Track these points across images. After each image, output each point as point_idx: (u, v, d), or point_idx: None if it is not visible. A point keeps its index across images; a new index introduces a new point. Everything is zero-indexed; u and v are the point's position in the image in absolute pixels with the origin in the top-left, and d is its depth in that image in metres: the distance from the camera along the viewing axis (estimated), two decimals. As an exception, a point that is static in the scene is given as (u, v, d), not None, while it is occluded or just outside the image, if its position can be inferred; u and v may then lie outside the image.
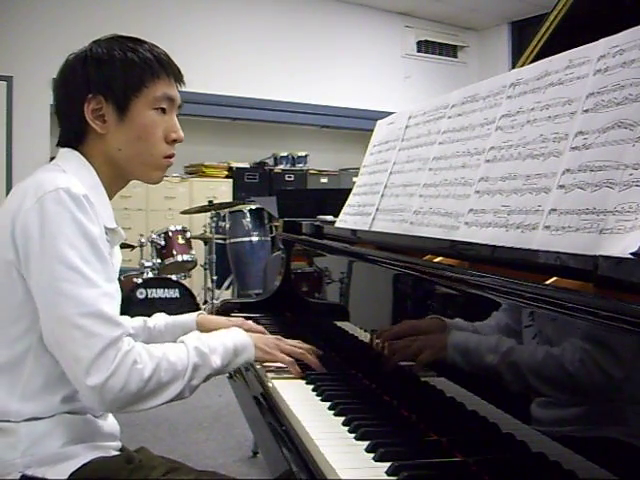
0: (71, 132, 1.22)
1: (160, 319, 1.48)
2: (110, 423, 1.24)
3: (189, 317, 1.48)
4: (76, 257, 1.05)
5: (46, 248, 1.05)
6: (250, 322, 1.52)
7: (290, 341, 1.35)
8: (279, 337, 1.35)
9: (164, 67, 1.21)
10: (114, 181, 1.24)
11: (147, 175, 1.25)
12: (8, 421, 1.09)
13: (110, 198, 1.24)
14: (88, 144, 1.21)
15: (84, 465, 1.11)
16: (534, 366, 0.81)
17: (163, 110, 1.21)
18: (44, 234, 1.05)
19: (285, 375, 1.31)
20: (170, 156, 1.25)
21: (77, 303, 1.03)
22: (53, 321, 1.05)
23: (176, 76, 1.24)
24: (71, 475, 1.09)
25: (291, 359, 1.31)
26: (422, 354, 1.09)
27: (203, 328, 1.44)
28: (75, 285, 1.04)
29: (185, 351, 1.14)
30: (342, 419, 1.07)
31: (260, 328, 1.47)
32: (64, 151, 1.22)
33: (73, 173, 1.15)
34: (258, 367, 1.39)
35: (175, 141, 1.24)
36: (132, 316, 1.50)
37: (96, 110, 1.18)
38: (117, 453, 1.21)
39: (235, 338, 1.25)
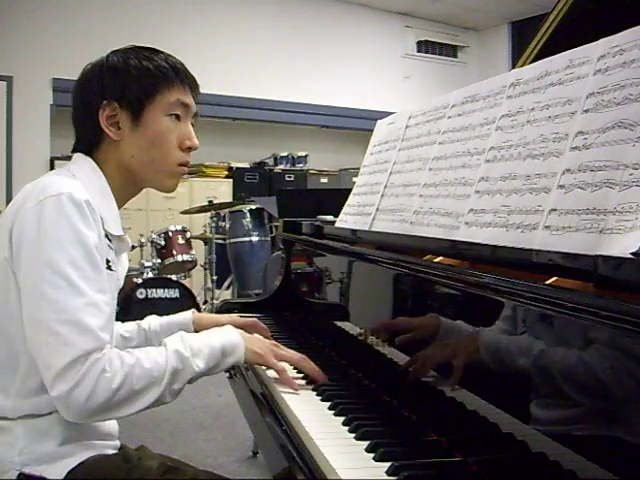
0: (86, 138, 1.22)
1: (155, 320, 1.46)
2: (108, 423, 1.23)
3: (184, 315, 1.47)
4: (66, 263, 1.04)
5: (37, 250, 1.04)
6: (242, 319, 1.50)
7: (287, 349, 1.28)
8: (277, 344, 1.29)
9: (179, 75, 1.22)
10: (126, 189, 1.24)
11: (161, 183, 1.25)
12: (5, 418, 1.09)
13: (120, 206, 1.24)
14: (102, 151, 1.21)
15: (81, 463, 1.11)
16: (534, 366, 0.81)
17: (177, 117, 1.22)
18: (39, 237, 1.05)
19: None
20: (184, 164, 1.24)
21: (57, 309, 1.02)
22: (32, 323, 1.04)
23: (191, 85, 1.25)
24: (68, 473, 1.10)
25: (282, 366, 1.23)
26: (430, 364, 1.09)
27: (199, 326, 1.43)
28: (58, 291, 1.02)
29: (164, 355, 1.10)
30: (342, 419, 1.07)
31: (255, 323, 1.47)
32: (77, 156, 1.23)
33: (83, 179, 1.15)
34: (261, 369, 1.38)
35: (190, 149, 1.24)
36: (133, 317, 1.50)
37: (111, 117, 1.18)
38: (115, 452, 1.21)
39: (224, 338, 1.19)
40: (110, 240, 1.18)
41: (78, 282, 1.04)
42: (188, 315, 1.47)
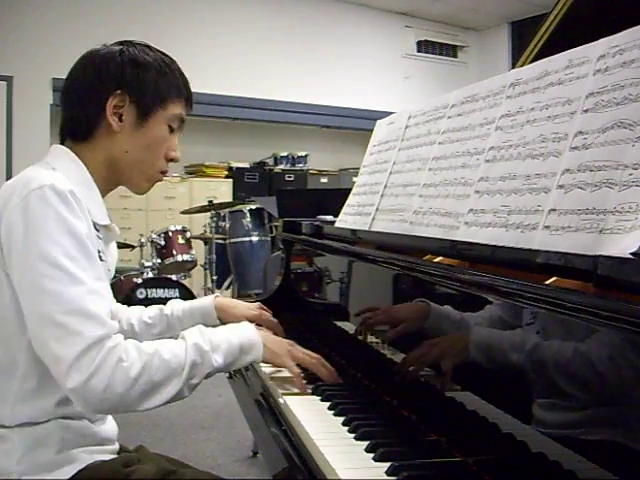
0: (83, 122, 1.19)
1: (177, 305, 1.47)
2: (107, 427, 1.22)
3: (206, 300, 1.48)
4: (60, 254, 1.02)
5: (29, 246, 1.02)
6: (267, 314, 1.54)
7: (303, 350, 1.28)
8: (292, 343, 1.29)
9: (187, 91, 1.26)
10: (106, 183, 1.23)
11: (139, 184, 1.26)
12: (2, 426, 1.07)
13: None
14: (95, 138, 1.20)
15: (81, 470, 1.10)
16: (533, 365, 0.81)
17: (171, 129, 1.24)
18: (27, 232, 1.02)
19: (294, 391, 1.23)
20: (164, 172, 1.27)
21: (59, 300, 1.00)
22: (35, 319, 1.02)
23: (190, 102, 1.28)
24: None
25: (298, 371, 1.23)
26: (426, 361, 1.09)
27: (221, 312, 1.46)
28: (57, 282, 1.00)
29: (183, 348, 1.09)
30: (342, 419, 1.07)
31: (276, 325, 1.51)
32: (54, 148, 1.21)
33: (63, 170, 1.14)
34: (261, 371, 1.38)
35: (172, 160, 1.27)
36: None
37: (117, 107, 1.18)
38: (115, 456, 1.20)
39: (242, 335, 1.19)
40: (98, 230, 1.17)
41: (75, 271, 1.02)
42: (210, 300, 1.48)
